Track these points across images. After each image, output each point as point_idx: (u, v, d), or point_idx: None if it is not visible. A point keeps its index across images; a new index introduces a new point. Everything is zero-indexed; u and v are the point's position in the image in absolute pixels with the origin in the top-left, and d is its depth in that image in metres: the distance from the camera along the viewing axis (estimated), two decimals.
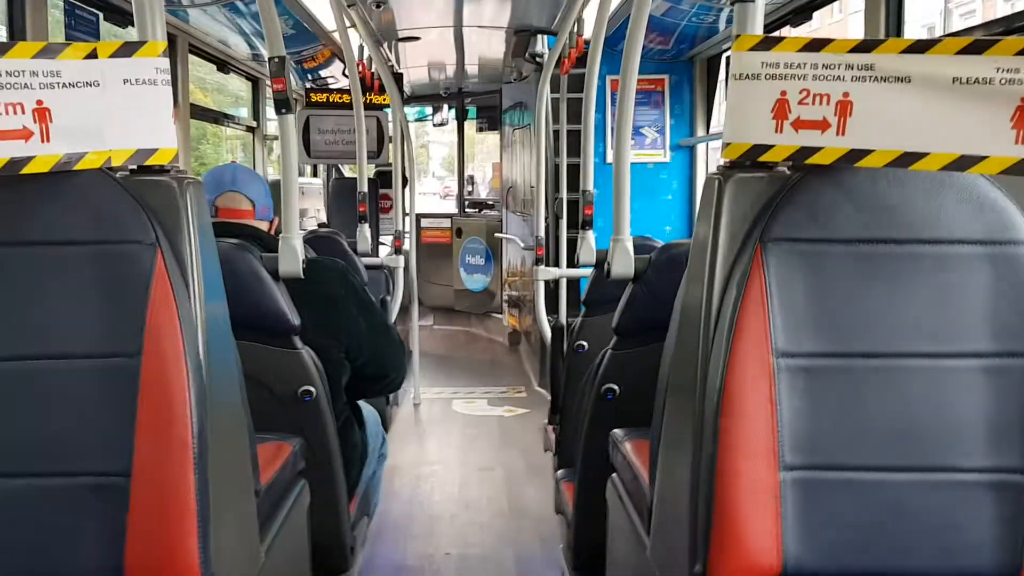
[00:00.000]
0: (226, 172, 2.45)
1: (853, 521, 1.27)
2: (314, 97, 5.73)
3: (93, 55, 1.32)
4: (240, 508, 1.50)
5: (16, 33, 2.85)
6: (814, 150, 1.34)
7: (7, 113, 1.27)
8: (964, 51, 1.26)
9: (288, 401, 2.24)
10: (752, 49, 1.37)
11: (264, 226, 2.46)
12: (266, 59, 5.30)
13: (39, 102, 1.29)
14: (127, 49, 1.33)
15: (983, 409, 1.28)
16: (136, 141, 1.35)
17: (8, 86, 1.27)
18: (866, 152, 1.32)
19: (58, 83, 1.30)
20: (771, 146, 1.36)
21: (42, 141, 1.30)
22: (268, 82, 5.78)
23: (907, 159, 1.30)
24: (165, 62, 1.35)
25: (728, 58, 5.04)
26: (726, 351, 1.29)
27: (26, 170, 1.29)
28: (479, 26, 5.24)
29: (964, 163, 1.27)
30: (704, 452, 1.29)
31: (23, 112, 1.28)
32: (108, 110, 1.33)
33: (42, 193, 1.34)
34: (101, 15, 3.41)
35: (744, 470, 1.27)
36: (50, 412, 1.30)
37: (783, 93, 1.36)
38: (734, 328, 1.29)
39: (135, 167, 1.38)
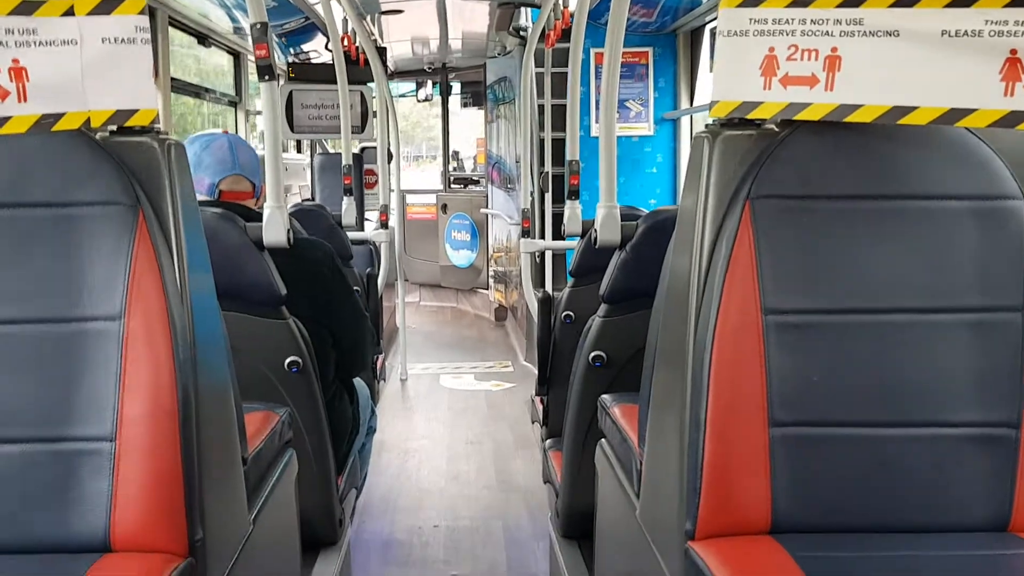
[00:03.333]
0: (224, 149, 2.36)
1: (842, 477, 1.28)
2: (296, 72, 5.66)
3: (70, 12, 1.29)
4: (227, 475, 1.49)
5: None
6: (803, 106, 1.33)
7: None
8: (953, 4, 1.26)
9: (275, 372, 2.23)
10: (740, 6, 1.35)
11: (255, 203, 2.43)
12: (247, 33, 5.23)
13: (15, 61, 1.27)
14: (105, 6, 1.30)
15: (972, 363, 1.29)
16: (116, 101, 1.32)
17: None
18: (855, 107, 1.31)
19: (34, 41, 1.27)
20: (760, 103, 1.35)
21: (19, 101, 1.27)
22: (251, 56, 5.73)
23: (896, 113, 1.29)
24: (145, 20, 1.32)
25: (712, 29, 5.02)
26: (715, 309, 1.28)
27: (2, 131, 1.27)
28: None
29: (953, 116, 1.27)
30: (694, 411, 1.28)
31: None
32: (86, 69, 1.30)
33: (20, 154, 1.31)
34: None
35: (734, 427, 1.27)
36: (30, 378, 1.28)
37: (771, 49, 1.34)
38: (723, 286, 1.29)
39: (115, 128, 1.35)
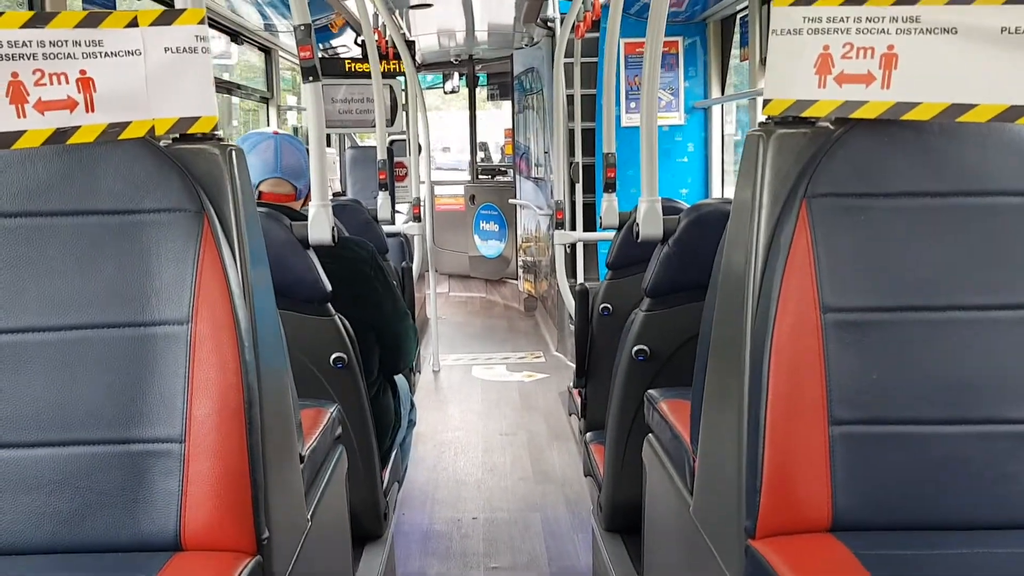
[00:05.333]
0: (270, 151, 2.38)
1: (903, 474, 1.28)
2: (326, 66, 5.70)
3: (134, 23, 1.31)
4: (287, 473, 1.52)
5: (36, 3, 2.83)
6: (859, 104, 1.33)
7: (52, 83, 1.27)
8: (1012, 1, 1.25)
9: (321, 368, 2.26)
10: (793, 4, 1.35)
11: (298, 205, 2.45)
12: (278, 29, 5.26)
13: (82, 72, 1.29)
14: (167, 17, 1.33)
15: None
16: (179, 109, 1.35)
17: (52, 56, 1.27)
18: (912, 105, 1.30)
19: (100, 52, 1.30)
20: (814, 101, 1.35)
21: (87, 111, 1.30)
22: (282, 52, 5.77)
23: (955, 111, 1.29)
24: (205, 29, 1.34)
25: (743, 18, 4.97)
26: (774, 307, 1.29)
27: (72, 140, 1.29)
28: None
29: (1013, 114, 1.26)
30: (753, 408, 1.29)
31: (67, 82, 1.28)
32: (150, 79, 1.33)
33: (88, 163, 1.34)
34: None
35: (794, 426, 1.27)
36: (100, 381, 1.31)
37: (826, 47, 1.34)
38: (781, 283, 1.29)
39: (178, 135, 1.38)
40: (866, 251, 1.30)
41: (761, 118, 1.41)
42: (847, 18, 1.33)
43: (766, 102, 1.38)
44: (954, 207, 1.32)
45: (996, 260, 1.30)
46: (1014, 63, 1.26)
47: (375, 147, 4.98)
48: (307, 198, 2.50)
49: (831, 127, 1.37)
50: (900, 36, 1.31)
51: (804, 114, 1.35)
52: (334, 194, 6.51)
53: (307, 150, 2.51)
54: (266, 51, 5.55)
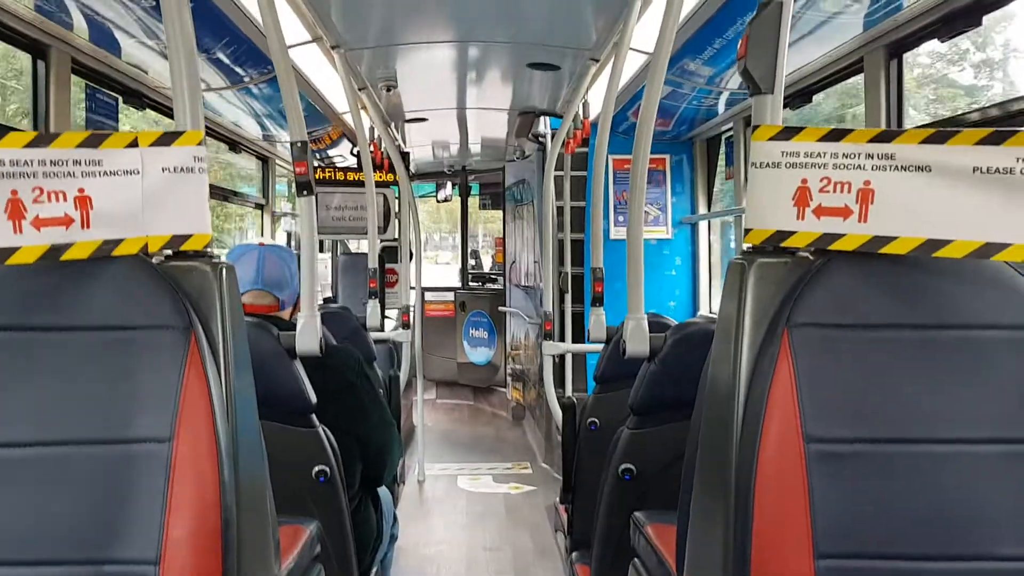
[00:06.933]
0: (252, 264, 2.41)
1: None
2: (319, 174, 5.82)
3: (134, 144, 1.35)
4: None
5: (40, 114, 2.91)
6: (837, 236, 1.36)
7: (50, 200, 1.30)
8: (983, 141, 1.30)
9: (303, 482, 2.23)
10: (772, 139, 1.40)
11: (286, 314, 2.46)
12: (276, 139, 5.38)
13: (80, 190, 1.32)
14: (167, 138, 1.37)
15: (1016, 495, 1.28)
16: (172, 227, 1.37)
17: (52, 175, 1.30)
18: (889, 239, 1.34)
19: (100, 171, 1.33)
20: (793, 232, 1.38)
21: (82, 228, 1.32)
22: (278, 160, 5.90)
23: (931, 246, 1.32)
24: (203, 150, 1.38)
25: (728, 139, 5.12)
26: (758, 436, 1.29)
27: (65, 256, 1.31)
28: (482, 108, 5.36)
29: (988, 251, 1.30)
30: (738, 540, 1.28)
31: (65, 200, 1.31)
32: (147, 197, 1.36)
33: (80, 278, 1.35)
34: (120, 98, 3.50)
35: (780, 558, 1.25)
36: (79, 499, 1.28)
37: (804, 181, 1.39)
38: (764, 414, 1.29)
39: (170, 252, 1.39)
40: (847, 382, 1.31)
41: (743, 246, 1.45)
42: (824, 153, 1.38)
43: (747, 231, 1.42)
44: (934, 340, 1.33)
45: (975, 393, 1.31)
46: (986, 202, 1.30)
47: (366, 254, 5.05)
48: (296, 307, 2.51)
49: (811, 257, 1.40)
50: (876, 172, 1.35)
51: (784, 244, 1.39)
52: (324, 299, 6.55)
53: (297, 256, 2.54)
54: (263, 159, 5.67)
